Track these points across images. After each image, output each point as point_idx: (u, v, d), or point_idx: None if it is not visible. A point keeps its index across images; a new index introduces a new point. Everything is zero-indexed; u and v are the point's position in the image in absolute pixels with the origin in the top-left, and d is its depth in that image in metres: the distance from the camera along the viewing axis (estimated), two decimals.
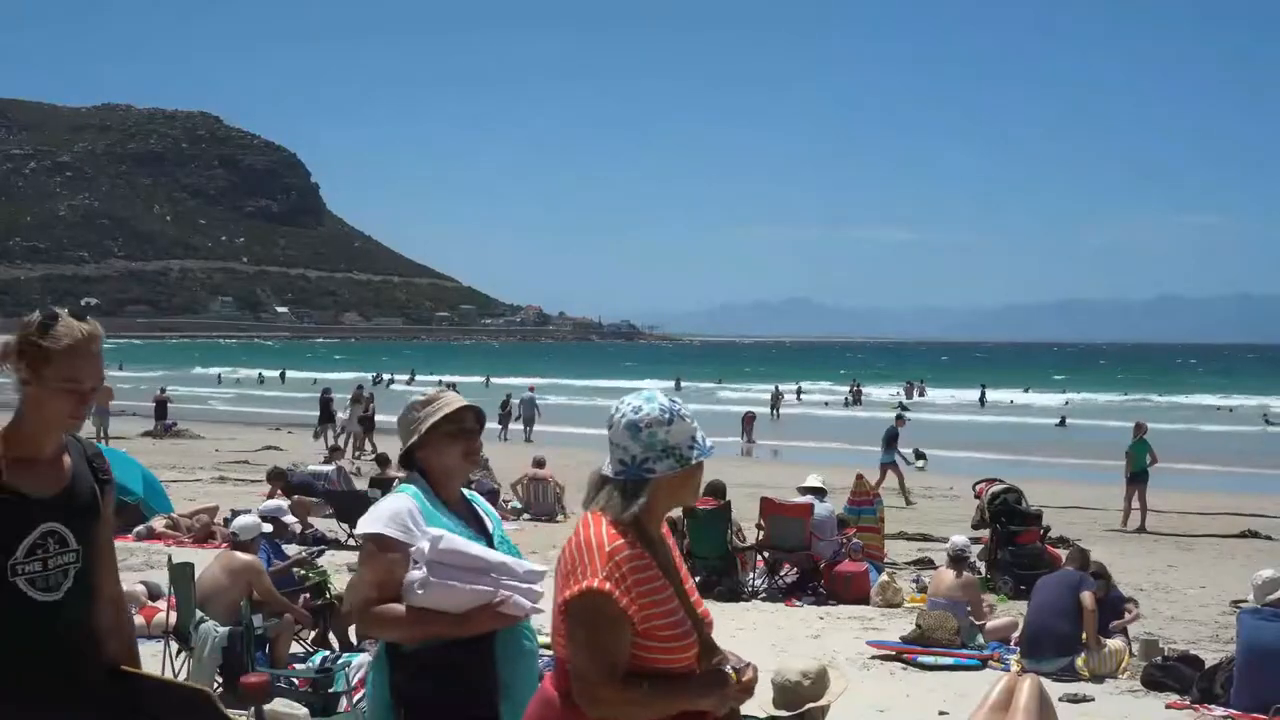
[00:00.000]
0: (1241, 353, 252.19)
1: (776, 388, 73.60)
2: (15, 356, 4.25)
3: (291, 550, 16.39)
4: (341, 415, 43.58)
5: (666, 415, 4.19)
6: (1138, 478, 27.39)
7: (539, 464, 27.20)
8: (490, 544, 5.15)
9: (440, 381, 71.82)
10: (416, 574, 4.84)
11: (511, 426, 51.90)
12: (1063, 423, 64.40)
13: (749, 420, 52.69)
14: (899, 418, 34.30)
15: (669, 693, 4.09)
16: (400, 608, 4.92)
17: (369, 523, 5.04)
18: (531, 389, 57.37)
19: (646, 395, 4.26)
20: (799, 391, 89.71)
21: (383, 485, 25.60)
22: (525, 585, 4.96)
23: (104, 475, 4.51)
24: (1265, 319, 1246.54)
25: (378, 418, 45.18)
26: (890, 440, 31.85)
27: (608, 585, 3.99)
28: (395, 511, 5.04)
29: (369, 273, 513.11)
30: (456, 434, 5.25)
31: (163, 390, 53.76)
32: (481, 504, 5.41)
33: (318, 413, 45.91)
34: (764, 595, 18.34)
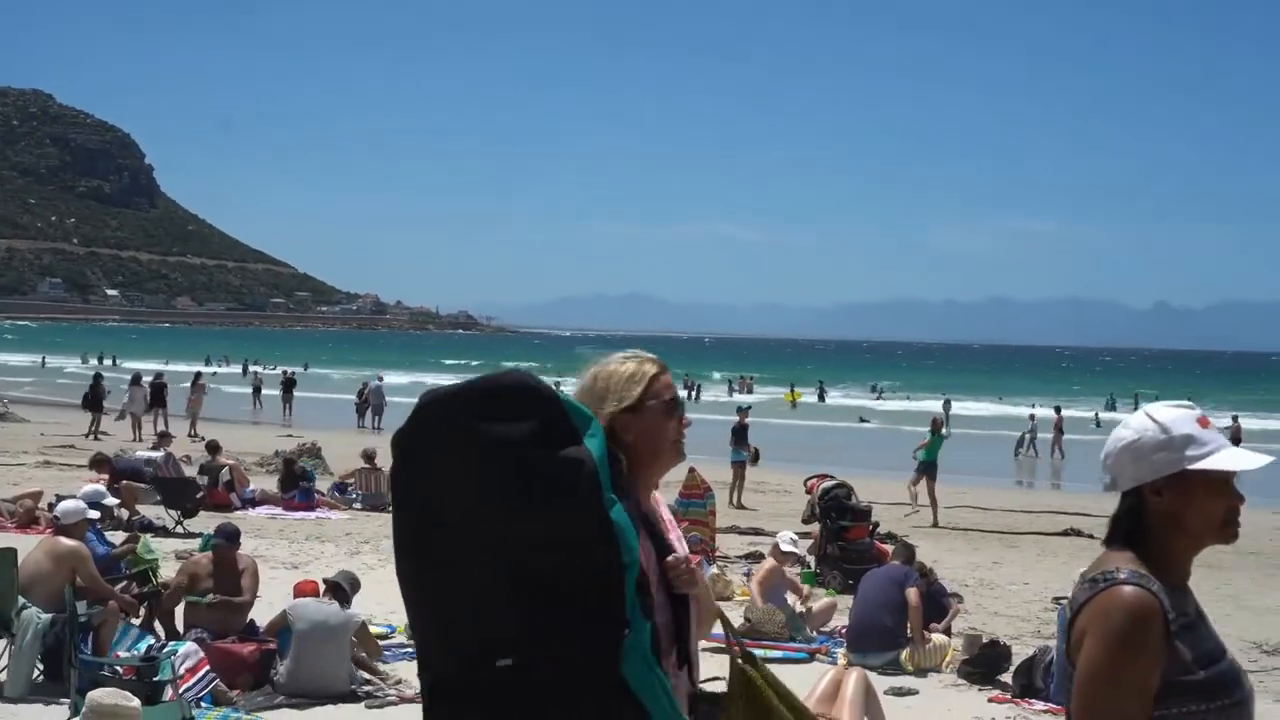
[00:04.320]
0: (1067, 357, 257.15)
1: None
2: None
3: (116, 538, 16.14)
4: (125, 400, 43.05)
5: None
6: (927, 468, 27.86)
7: (369, 456, 27.02)
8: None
9: (284, 371, 70.39)
10: None
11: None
12: (862, 420, 65.56)
13: None
14: (742, 411, 33.63)
15: None
16: None
17: None
18: (380, 378, 57.36)
19: None
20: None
21: (211, 472, 25.31)
22: None
23: None
24: (1093, 323, 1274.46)
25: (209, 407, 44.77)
26: (739, 436, 31.22)
27: None
28: None
29: (202, 256, 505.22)
30: None
31: None
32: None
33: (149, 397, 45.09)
34: None
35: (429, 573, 3.64)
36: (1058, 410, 52.94)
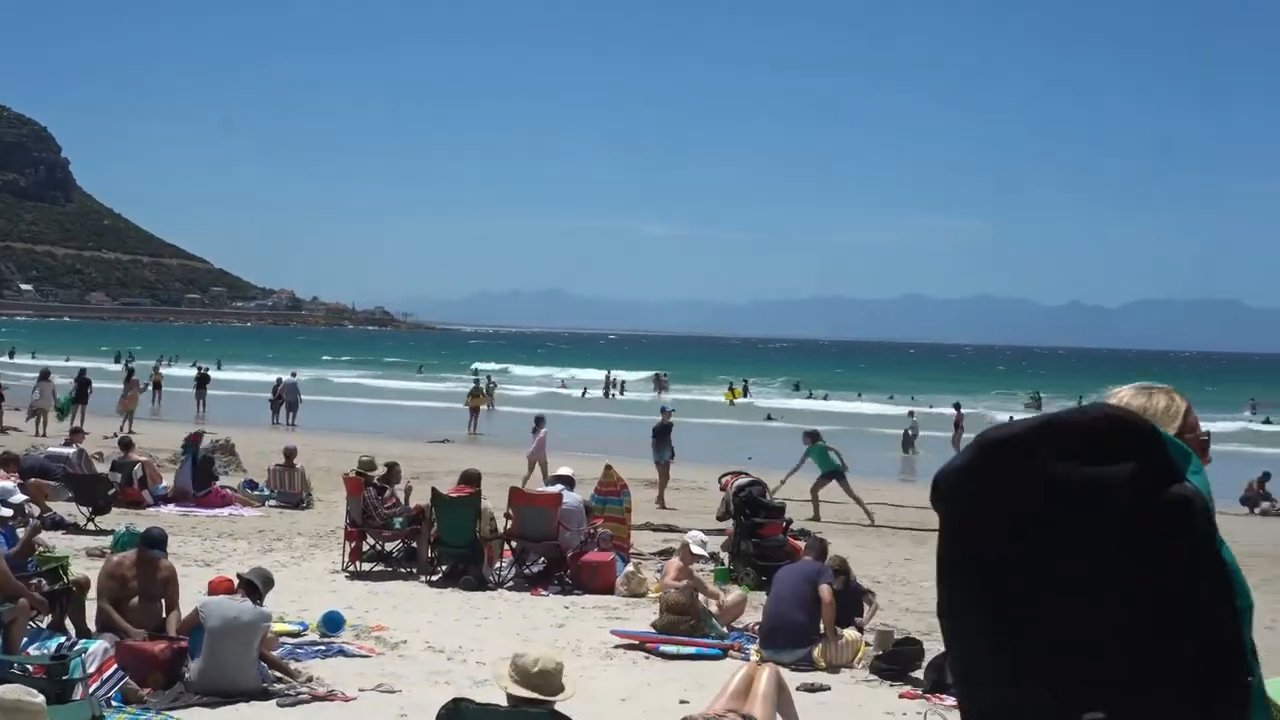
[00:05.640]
0: (970, 354, 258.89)
1: (489, 378, 73.99)
2: None
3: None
4: (34, 395, 42.46)
5: None
6: (832, 475, 27.90)
7: (290, 454, 26.91)
8: None
9: (200, 366, 69.62)
10: None
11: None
12: (769, 418, 65.41)
13: (475, 411, 53.08)
14: (665, 411, 33.27)
15: None
16: None
17: None
18: (294, 374, 57.06)
19: None
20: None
21: (124, 469, 25.10)
22: None
23: None
24: (1005, 321, 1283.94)
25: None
26: (661, 436, 30.86)
27: None
28: None
29: (118, 251, 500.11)
30: None
31: None
32: None
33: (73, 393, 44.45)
34: (510, 584, 18.40)
35: (1000, 623, 3.29)
36: (957, 407, 51.78)
